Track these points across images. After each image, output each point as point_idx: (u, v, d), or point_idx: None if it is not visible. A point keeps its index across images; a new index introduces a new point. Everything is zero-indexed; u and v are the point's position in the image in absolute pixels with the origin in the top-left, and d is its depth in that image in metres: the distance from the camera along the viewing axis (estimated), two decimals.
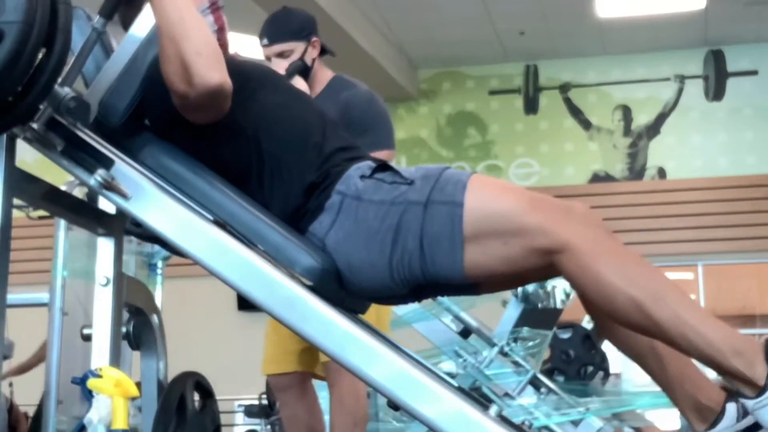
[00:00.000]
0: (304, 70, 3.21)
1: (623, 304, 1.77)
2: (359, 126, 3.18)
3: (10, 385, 6.98)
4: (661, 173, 9.49)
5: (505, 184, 1.93)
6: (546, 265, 1.85)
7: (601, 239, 1.80)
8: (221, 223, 1.95)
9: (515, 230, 1.83)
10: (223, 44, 2.24)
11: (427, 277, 1.90)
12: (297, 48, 3.24)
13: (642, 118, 9.60)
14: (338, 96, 3.27)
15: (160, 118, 2.05)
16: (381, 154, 3.08)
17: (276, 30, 3.26)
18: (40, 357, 6.97)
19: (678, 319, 1.75)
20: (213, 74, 1.92)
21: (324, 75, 3.34)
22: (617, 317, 1.82)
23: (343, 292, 1.97)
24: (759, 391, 1.75)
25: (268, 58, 3.23)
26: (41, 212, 5.49)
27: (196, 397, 2.76)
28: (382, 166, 2.00)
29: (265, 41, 3.25)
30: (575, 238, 1.78)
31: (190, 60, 1.91)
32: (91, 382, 2.04)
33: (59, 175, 2.26)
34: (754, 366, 1.75)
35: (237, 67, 2.12)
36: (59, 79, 1.88)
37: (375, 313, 3.13)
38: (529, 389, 4.17)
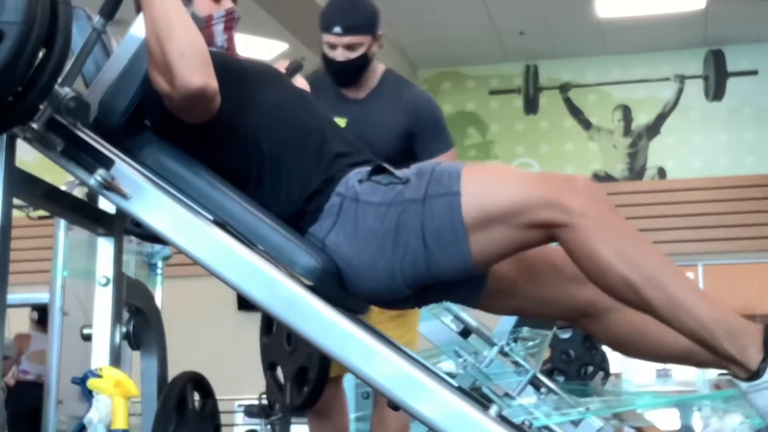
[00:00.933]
0: (299, 69, 3.18)
1: (616, 283, 1.78)
2: (434, 128, 3.15)
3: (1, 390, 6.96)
4: (661, 173, 9.49)
5: (500, 166, 1.93)
6: (549, 240, 1.85)
7: (601, 214, 1.79)
8: (221, 223, 1.95)
9: (517, 209, 1.82)
10: (231, 53, 2.25)
11: (434, 273, 1.90)
12: (365, 42, 3.11)
13: (642, 118, 9.60)
14: (400, 93, 3.20)
15: (159, 119, 2.05)
16: (450, 154, 3.15)
17: (352, 20, 3.10)
18: (18, 351, 6.97)
19: (671, 302, 1.76)
20: (194, 77, 1.91)
21: (377, 68, 3.24)
22: (611, 294, 1.83)
23: (344, 292, 1.97)
24: (750, 376, 1.76)
25: (334, 47, 3.12)
26: (41, 212, 5.49)
27: (196, 396, 2.76)
28: (378, 169, 2.00)
29: (338, 30, 3.09)
30: (577, 210, 1.77)
31: (173, 61, 1.91)
32: (91, 382, 2.04)
33: (59, 175, 2.26)
34: (747, 350, 1.75)
35: (238, 67, 2.13)
36: (59, 79, 1.88)
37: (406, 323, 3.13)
38: (529, 389, 4.17)
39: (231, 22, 2.24)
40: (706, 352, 1.98)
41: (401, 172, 1.97)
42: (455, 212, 1.85)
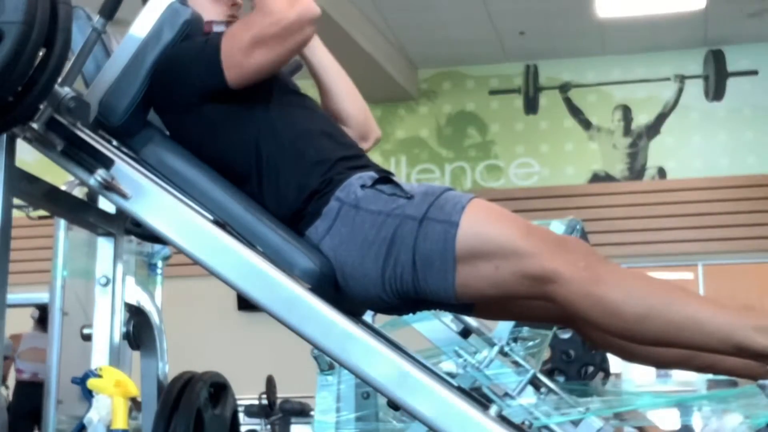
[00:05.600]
0: (299, 68, 3.14)
1: (630, 321, 1.77)
2: None
3: (6, 387, 6.99)
4: (661, 173, 9.48)
5: (503, 210, 1.94)
6: (539, 296, 1.85)
7: (594, 265, 1.80)
8: (221, 224, 1.95)
9: (507, 255, 1.83)
10: None
11: (419, 293, 1.91)
12: None
13: (642, 118, 9.59)
14: None
15: (169, 115, 2.05)
16: None
17: None
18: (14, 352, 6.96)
19: (691, 319, 1.75)
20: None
21: None
22: (630, 335, 1.82)
23: (340, 295, 1.97)
24: None
25: None
26: (41, 212, 5.49)
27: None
28: (384, 178, 2.00)
29: None
30: (568, 267, 1.79)
31: None
32: (91, 382, 2.04)
33: (59, 175, 2.26)
34: None
35: None
36: (59, 79, 1.88)
37: None
38: (529, 389, 4.17)
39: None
40: (704, 355, 1.98)
41: (408, 186, 1.98)
42: (449, 242, 1.86)
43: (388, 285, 1.90)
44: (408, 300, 1.94)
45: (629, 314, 1.76)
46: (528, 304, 2.08)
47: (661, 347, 1.88)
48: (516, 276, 1.83)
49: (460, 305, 2.06)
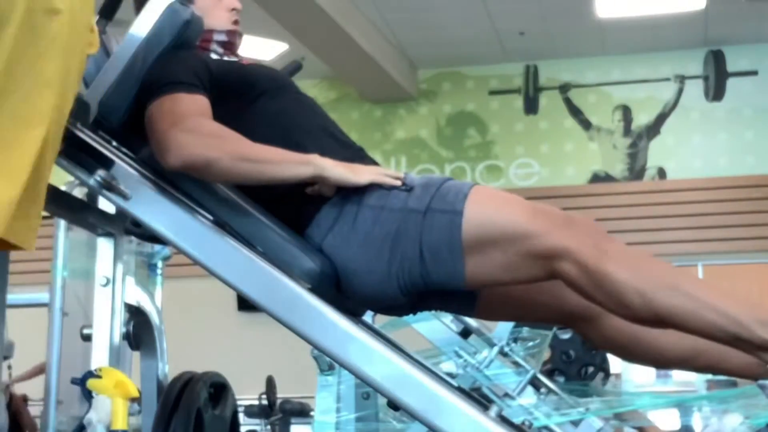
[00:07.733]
0: (298, 69, 3.14)
1: (633, 301, 1.77)
2: None
3: (9, 367, 6.95)
4: (661, 173, 9.48)
5: (506, 194, 1.93)
6: (549, 275, 1.85)
7: (602, 243, 1.80)
8: (221, 224, 1.95)
9: (514, 237, 1.83)
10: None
11: (429, 284, 1.90)
12: None
13: (642, 118, 9.60)
14: None
15: None
16: None
17: None
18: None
19: (695, 305, 1.74)
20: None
21: None
22: (633, 316, 1.81)
23: (341, 295, 1.96)
24: None
25: None
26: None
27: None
28: None
29: None
30: (576, 243, 1.78)
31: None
32: (91, 383, 2.04)
33: (59, 175, 2.26)
34: None
35: (242, 74, 2.13)
36: None
37: None
38: (529, 389, 4.17)
39: (231, 46, 2.24)
40: (705, 355, 1.98)
41: (407, 179, 1.97)
42: (455, 231, 1.86)
43: (394, 280, 1.89)
44: (415, 294, 1.94)
45: (634, 292, 1.76)
46: (530, 301, 2.07)
47: (660, 328, 1.86)
48: (525, 257, 1.83)
49: (461, 306, 2.06)
